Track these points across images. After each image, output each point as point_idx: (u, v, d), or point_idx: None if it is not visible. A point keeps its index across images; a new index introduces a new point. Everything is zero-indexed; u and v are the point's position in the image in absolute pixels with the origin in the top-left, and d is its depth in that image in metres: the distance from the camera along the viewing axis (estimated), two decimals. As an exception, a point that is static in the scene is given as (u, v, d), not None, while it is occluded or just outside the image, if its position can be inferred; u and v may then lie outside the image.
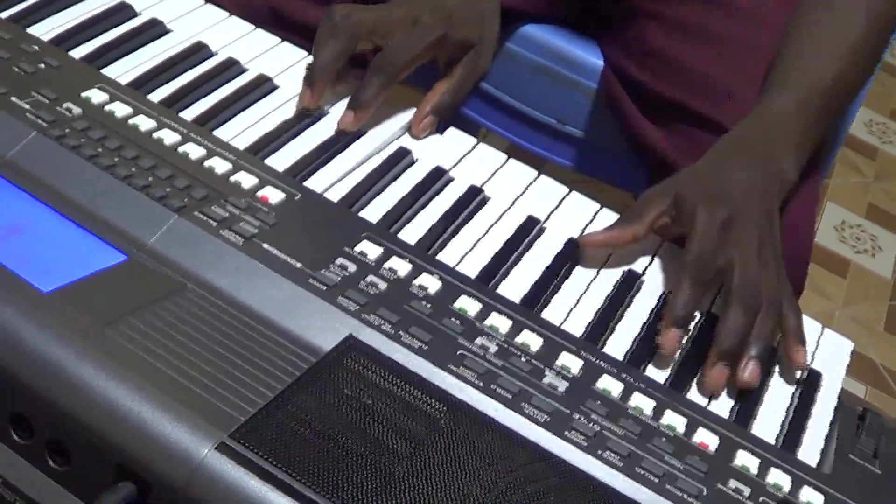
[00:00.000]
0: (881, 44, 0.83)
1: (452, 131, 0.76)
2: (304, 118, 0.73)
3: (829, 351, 0.68)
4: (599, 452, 0.53)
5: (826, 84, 0.77)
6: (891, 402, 1.61)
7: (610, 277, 0.68)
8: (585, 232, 0.70)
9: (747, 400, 0.62)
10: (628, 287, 0.68)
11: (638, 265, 0.70)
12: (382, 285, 0.59)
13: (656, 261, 0.71)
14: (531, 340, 0.59)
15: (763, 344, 0.64)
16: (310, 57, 0.75)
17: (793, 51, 0.80)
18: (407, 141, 0.74)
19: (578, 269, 0.68)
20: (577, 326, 0.63)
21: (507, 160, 0.75)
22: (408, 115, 0.76)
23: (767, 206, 0.70)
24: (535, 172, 0.74)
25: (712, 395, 0.63)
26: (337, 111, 0.74)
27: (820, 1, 0.83)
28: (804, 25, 0.82)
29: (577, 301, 0.66)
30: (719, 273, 0.66)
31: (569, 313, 0.64)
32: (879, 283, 1.84)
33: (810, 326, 0.69)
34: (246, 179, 0.64)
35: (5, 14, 0.74)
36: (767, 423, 0.62)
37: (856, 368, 1.65)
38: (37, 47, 0.70)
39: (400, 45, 0.74)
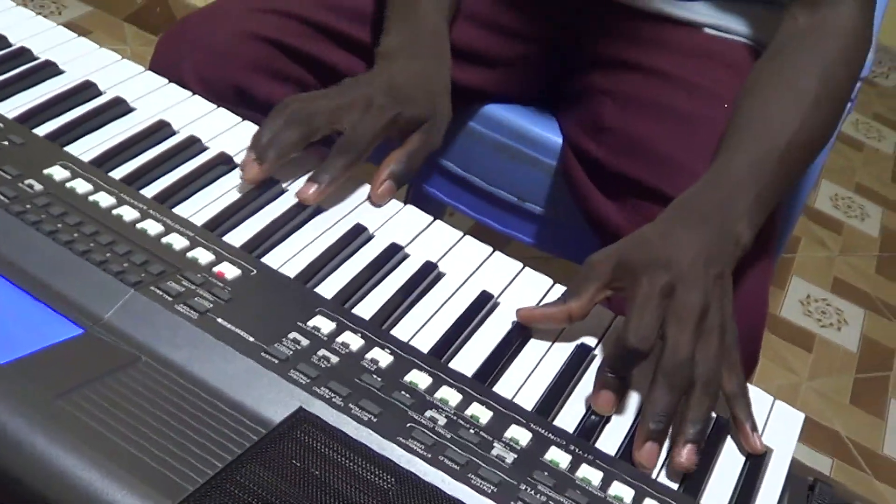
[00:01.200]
0: (836, 107, 0.84)
1: (409, 209, 0.79)
2: (262, 194, 0.75)
3: (779, 423, 0.70)
4: (545, 523, 0.55)
5: (779, 146, 0.78)
6: (857, 474, 1.63)
7: (562, 351, 0.71)
8: (526, 306, 0.71)
9: (696, 471, 0.64)
10: (580, 360, 0.70)
11: (590, 339, 0.72)
12: (334, 359, 0.61)
13: (609, 335, 0.73)
14: (481, 413, 0.61)
15: (698, 427, 0.65)
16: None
17: (745, 114, 0.82)
18: (364, 217, 0.77)
19: (531, 343, 0.70)
20: (528, 400, 0.66)
21: (462, 237, 0.77)
22: (364, 192, 0.79)
23: (716, 270, 0.71)
24: (490, 249, 0.77)
25: (659, 468, 0.64)
26: (294, 188, 0.77)
27: (772, 67, 0.85)
28: (757, 90, 0.83)
29: (529, 375, 0.68)
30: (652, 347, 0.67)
31: (520, 387, 0.67)
32: (845, 356, 1.87)
33: (761, 398, 0.71)
34: (202, 255, 0.66)
35: (-28, 94, 0.77)
36: (716, 494, 0.64)
37: (821, 441, 1.67)
38: (2, 125, 0.73)
39: (360, 127, 0.77)
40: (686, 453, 0.64)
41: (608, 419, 0.66)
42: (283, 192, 0.77)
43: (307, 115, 0.77)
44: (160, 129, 0.79)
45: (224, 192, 0.75)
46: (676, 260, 0.69)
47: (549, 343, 0.71)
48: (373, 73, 0.84)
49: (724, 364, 0.68)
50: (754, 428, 0.68)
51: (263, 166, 0.75)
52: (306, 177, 0.77)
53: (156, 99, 0.82)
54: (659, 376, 0.66)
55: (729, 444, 0.67)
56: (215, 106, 0.83)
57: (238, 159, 0.78)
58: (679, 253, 0.70)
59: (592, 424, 0.65)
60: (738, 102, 0.84)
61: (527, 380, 0.67)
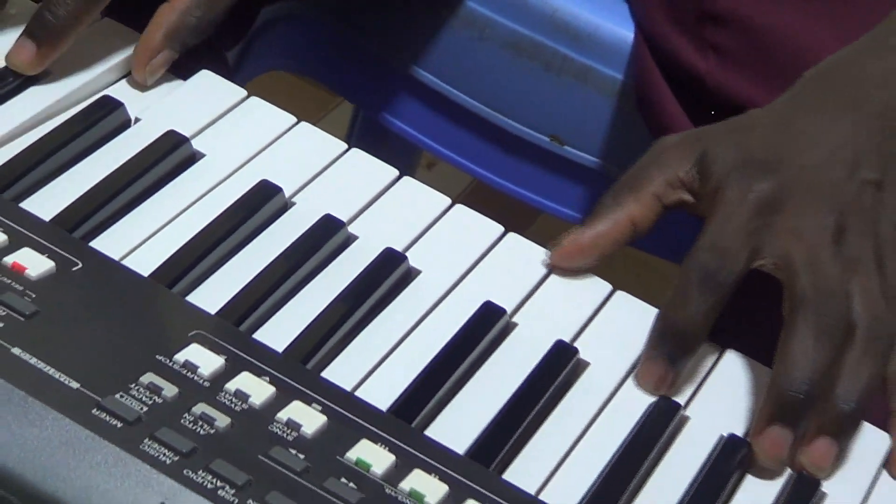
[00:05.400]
0: None
1: (356, 154, 0.82)
2: (89, 130, 0.78)
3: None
4: None
5: None
6: None
7: (628, 409, 0.73)
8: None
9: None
10: (659, 427, 0.72)
11: (680, 391, 0.75)
12: (222, 421, 0.63)
13: (712, 379, 0.76)
14: (482, 521, 0.63)
15: (852, 407, 0.69)
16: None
17: None
18: (272, 169, 0.79)
19: (572, 395, 0.73)
20: (566, 497, 0.68)
21: (452, 206, 0.80)
22: (273, 123, 0.82)
23: (870, 174, 0.75)
24: (500, 228, 0.79)
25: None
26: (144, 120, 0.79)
27: None
28: None
29: (568, 452, 0.70)
30: (744, 273, 0.72)
31: (552, 474, 0.69)
32: None
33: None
34: (-15, 237, 0.68)
35: None
36: None
37: None
38: None
39: None
40: (820, 447, 0.69)
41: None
42: (126, 123, 0.80)
43: None
44: None
45: (18, 124, 0.78)
46: (795, 160, 0.74)
47: (605, 396, 0.73)
48: None
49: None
50: None
51: (42, 50, 0.78)
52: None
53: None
54: (798, 316, 0.70)
55: None
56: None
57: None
58: (802, 153, 0.74)
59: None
60: None
61: (563, 461, 0.69)
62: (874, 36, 0.81)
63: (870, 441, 0.74)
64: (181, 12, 0.81)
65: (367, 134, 1.22)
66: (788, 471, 0.72)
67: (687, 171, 0.75)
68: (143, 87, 0.81)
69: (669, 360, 0.72)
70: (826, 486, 0.72)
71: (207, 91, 0.83)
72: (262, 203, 0.77)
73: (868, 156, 0.75)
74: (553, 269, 0.77)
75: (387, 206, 0.80)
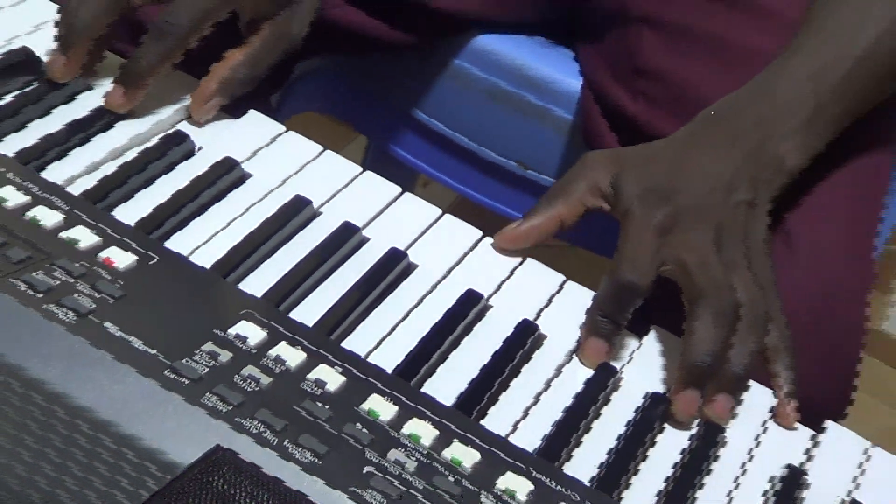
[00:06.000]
0: None
1: (369, 177, 0.81)
2: (166, 155, 0.78)
3: (878, 475, 0.73)
4: None
5: (853, 53, 0.82)
6: None
7: (575, 375, 0.73)
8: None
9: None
10: (601, 385, 0.72)
11: (616, 359, 0.74)
12: (265, 380, 0.63)
13: (641, 351, 0.75)
14: (464, 455, 0.62)
15: (741, 368, 0.71)
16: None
17: (814, 14, 0.85)
18: (306, 187, 0.79)
19: (534, 361, 0.72)
20: (530, 439, 0.67)
21: (442, 216, 0.79)
22: (305, 152, 0.82)
23: (744, 196, 0.77)
24: (479, 233, 0.79)
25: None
26: (208, 148, 0.79)
27: None
28: None
29: (532, 405, 0.70)
30: (653, 281, 0.73)
31: (519, 421, 0.68)
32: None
33: (853, 442, 0.74)
34: (83, 236, 0.68)
35: None
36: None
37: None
38: None
39: (184, 2, 0.78)
40: (721, 402, 0.71)
41: (634, 471, 0.68)
42: (193, 150, 0.79)
43: None
44: (22, 61, 0.80)
45: (112, 150, 0.77)
46: (684, 190, 0.75)
47: (560, 361, 0.73)
48: None
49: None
50: (792, 394, 0.74)
51: (70, 58, 0.77)
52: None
53: (8, 18, 0.84)
54: (699, 306, 0.71)
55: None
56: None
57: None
58: (689, 183, 0.76)
59: (616, 474, 0.67)
60: (811, 5, 0.87)
61: (528, 412, 0.69)
62: (752, 86, 0.82)
63: (759, 398, 0.75)
64: (231, 69, 0.81)
65: (377, 160, 1.22)
66: (698, 421, 0.72)
67: (606, 185, 0.77)
68: (201, 124, 0.81)
69: (604, 338, 0.73)
70: (727, 432, 0.72)
71: (255, 127, 0.83)
72: (296, 212, 0.76)
73: (743, 182, 0.77)
74: (498, 250, 0.78)
75: (392, 215, 0.79)
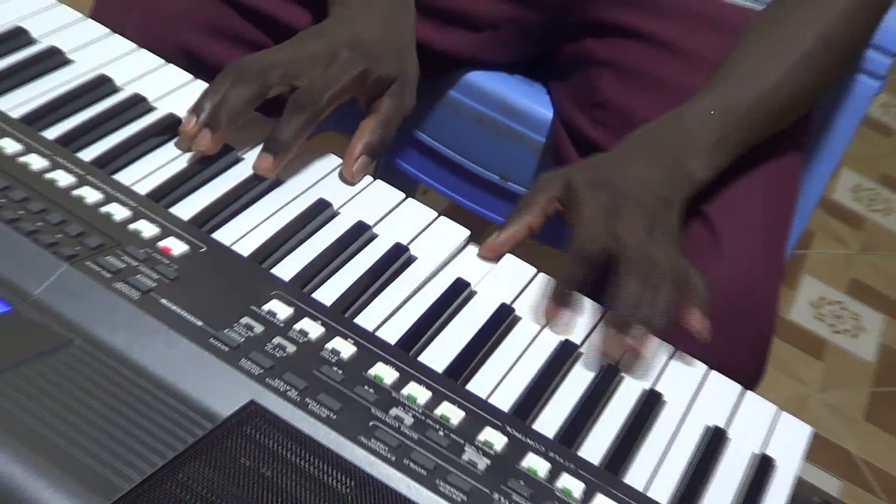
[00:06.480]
0: (832, 66, 0.90)
1: (378, 185, 0.80)
2: (214, 163, 0.76)
3: (784, 436, 0.72)
4: (519, 536, 0.57)
5: (756, 95, 0.85)
6: (869, 498, 1.65)
7: (544, 347, 0.72)
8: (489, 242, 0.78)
9: (692, 486, 0.66)
10: (563, 358, 0.71)
11: (576, 335, 0.74)
12: (290, 348, 0.62)
13: (597, 330, 0.74)
14: (452, 413, 0.62)
15: (658, 311, 0.72)
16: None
17: (729, 61, 0.88)
18: (327, 192, 0.78)
19: (511, 337, 0.72)
20: (505, 400, 0.67)
21: (437, 218, 0.79)
22: (327, 164, 0.80)
23: (663, 194, 0.79)
24: (467, 232, 0.78)
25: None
26: (251, 158, 0.78)
27: (769, 17, 0.91)
28: (747, 39, 0.89)
29: (507, 373, 0.69)
30: (605, 252, 0.74)
31: (497, 386, 0.68)
32: (861, 366, 1.88)
33: (764, 408, 0.74)
34: (146, 228, 0.67)
35: None
36: (712, 512, 0.65)
37: (830, 460, 1.69)
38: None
39: (321, 80, 0.77)
40: (639, 336, 0.72)
41: (590, 428, 0.67)
42: (237, 160, 0.78)
43: (260, 69, 0.76)
44: (101, 85, 0.79)
45: (172, 158, 0.76)
46: (622, 183, 0.78)
47: (531, 338, 0.72)
48: (331, 24, 0.83)
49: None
50: (702, 308, 0.75)
51: (216, 134, 0.75)
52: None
53: (96, 51, 0.83)
54: (632, 271, 0.73)
55: (727, 459, 0.69)
56: (163, 62, 0.84)
57: (188, 122, 0.79)
58: (626, 178, 0.78)
59: (575, 430, 0.67)
60: (730, 50, 0.89)
61: (504, 378, 0.69)
62: (673, 114, 0.85)
63: (692, 370, 0.75)
64: (372, 131, 0.82)
65: (385, 172, 1.20)
66: (644, 387, 0.71)
67: (559, 192, 0.78)
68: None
69: (570, 309, 0.74)
70: (666, 397, 0.72)
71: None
72: (319, 213, 0.76)
73: (665, 184, 0.79)
74: (483, 258, 0.78)
75: (396, 216, 0.78)
